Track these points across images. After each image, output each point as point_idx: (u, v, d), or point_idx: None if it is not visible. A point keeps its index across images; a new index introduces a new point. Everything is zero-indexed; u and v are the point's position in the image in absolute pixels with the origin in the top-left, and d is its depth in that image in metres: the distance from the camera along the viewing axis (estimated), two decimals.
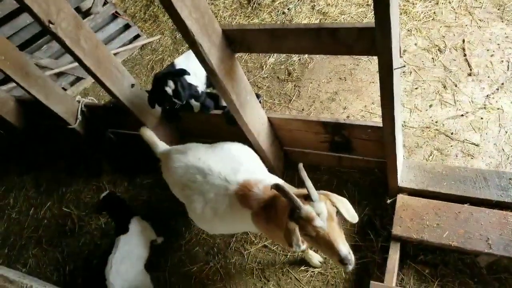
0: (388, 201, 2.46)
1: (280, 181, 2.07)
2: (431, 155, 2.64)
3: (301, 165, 1.69)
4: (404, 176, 2.43)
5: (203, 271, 2.78)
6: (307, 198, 1.63)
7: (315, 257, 2.50)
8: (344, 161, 2.75)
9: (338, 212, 1.66)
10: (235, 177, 2.09)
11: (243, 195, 2.02)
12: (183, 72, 2.52)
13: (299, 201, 1.59)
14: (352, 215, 1.69)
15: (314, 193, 1.63)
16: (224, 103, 2.87)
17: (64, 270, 3.23)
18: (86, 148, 3.67)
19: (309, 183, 1.63)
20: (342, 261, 1.57)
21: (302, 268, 2.55)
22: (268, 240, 2.72)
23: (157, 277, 2.85)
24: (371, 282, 2.05)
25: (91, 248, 3.24)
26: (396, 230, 2.30)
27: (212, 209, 2.15)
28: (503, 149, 2.51)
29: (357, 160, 2.67)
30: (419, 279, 2.29)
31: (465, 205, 2.26)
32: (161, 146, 2.65)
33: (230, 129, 2.69)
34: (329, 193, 1.72)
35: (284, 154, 2.96)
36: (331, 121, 2.50)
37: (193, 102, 2.73)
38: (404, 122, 2.86)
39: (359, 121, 2.49)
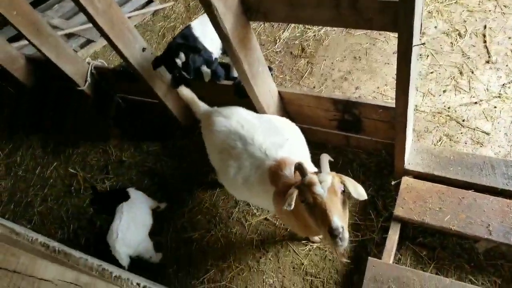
0: (393, 182, 2.50)
1: (311, 167, 2.07)
2: (440, 141, 2.65)
3: (325, 155, 1.75)
4: (411, 159, 2.46)
5: (204, 238, 2.88)
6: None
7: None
8: (351, 140, 2.77)
9: (346, 192, 1.68)
10: (275, 153, 2.07)
11: (275, 172, 2.02)
12: (198, 50, 2.53)
13: (307, 169, 1.64)
14: (359, 193, 1.70)
15: (325, 166, 1.69)
16: (235, 74, 2.88)
17: (68, 228, 3.35)
18: (95, 111, 3.73)
19: (325, 159, 1.70)
20: (332, 232, 1.54)
21: (302, 242, 2.63)
22: (269, 213, 2.79)
23: (159, 242, 2.95)
24: (369, 258, 2.13)
25: None
26: (398, 211, 2.35)
27: (244, 178, 2.17)
28: None
29: (365, 141, 2.69)
30: (415, 260, 2.36)
31: (470, 191, 2.30)
32: (202, 105, 2.63)
33: (239, 101, 2.71)
34: (342, 175, 1.74)
35: None
36: (342, 98, 2.51)
37: (204, 68, 2.74)
38: (416, 106, 2.86)
39: (371, 100, 2.50)
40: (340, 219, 1.58)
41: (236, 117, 2.31)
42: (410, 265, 2.36)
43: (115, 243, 2.53)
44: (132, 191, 2.88)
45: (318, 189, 1.62)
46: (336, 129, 2.74)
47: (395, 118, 2.18)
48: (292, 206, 1.66)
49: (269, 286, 2.55)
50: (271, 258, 2.64)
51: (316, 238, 2.58)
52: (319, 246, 2.58)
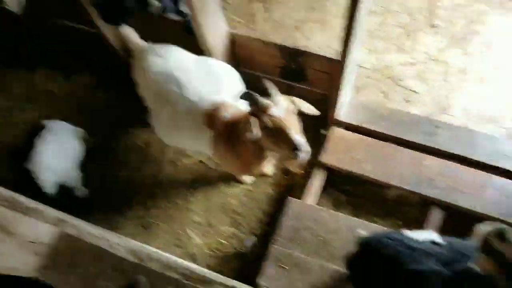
0: (324, 131, 2.76)
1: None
2: (375, 96, 2.93)
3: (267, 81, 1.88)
4: (345, 111, 2.72)
5: (134, 176, 3.01)
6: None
7: (249, 176, 2.80)
8: (294, 90, 2.95)
9: (299, 111, 1.87)
10: (210, 97, 2.14)
11: (211, 116, 2.10)
12: None
13: (257, 95, 1.78)
14: (311, 110, 1.94)
15: (273, 90, 1.84)
16: (183, 7, 2.85)
17: None
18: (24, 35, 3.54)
19: (271, 85, 1.84)
20: (296, 147, 1.72)
21: (233, 184, 2.86)
22: (204, 156, 2.96)
23: (89, 177, 2.99)
24: (289, 197, 2.40)
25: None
26: (325, 158, 2.63)
27: (177, 123, 2.22)
28: (439, 101, 2.86)
29: (306, 91, 2.90)
30: (335, 204, 2.70)
31: (392, 144, 2.63)
32: (136, 39, 2.59)
33: (185, 40, 2.66)
34: (289, 96, 1.92)
35: None
36: (290, 46, 2.67)
37: None
38: (360, 61, 3.09)
39: (317, 51, 2.67)
40: (301, 136, 1.79)
41: (173, 58, 2.31)
42: (331, 208, 2.69)
43: (38, 169, 2.57)
44: (53, 122, 2.86)
45: (275, 111, 1.78)
46: (280, 77, 2.90)
47: (336, 70, 2.36)
48: (259, 132, 1.80)
49: (194, 222, 2.78)
50: (200, 198, 2.85)
51: (248, 180, 2.81)
52: (249, 188, 2.83)
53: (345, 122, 2.72)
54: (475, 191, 2.44)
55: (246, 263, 2.60)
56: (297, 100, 1.91)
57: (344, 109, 2.74)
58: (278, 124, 1.77)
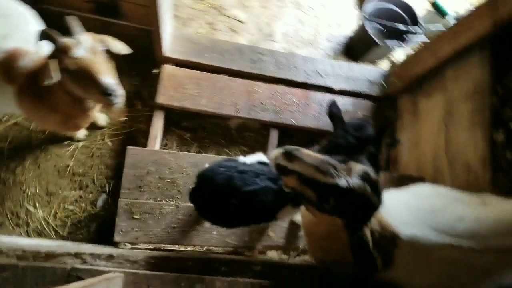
0: (154, 71, 2.67)
1: None
2: (202, 28, 2.92)
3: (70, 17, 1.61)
4: (171, 47, 2.65)
5: None
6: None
7: (82, 131, 2.57)
8: (112, 27, 2.70)
9: (107, 50, 1.68)
10: (1, 44, 1.80)
11: (8, 68, 1.79)
12: None
13: (56, 33, 1.53)
14: (120, 48, 1.75)
15: (76, 28, 1.59)
16: None
17: None
18: None
19: (73, 22, 1.60)
20: (106, 90, 1.56)
21: (65, 143, 2.60)
22: (19, 117, 2.57)
23: None
24: (128, 147, 2.32)
25: None
26: (160, 98, 2.58)
27: None
28: (261, 28, 3.03)
29: (126, 27, 2.68)
30: (181, 143, 2.74)
31: (222, 75, 2.72)
32: None
33: None
34: (98, 35, 1.70)
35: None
36: None
37: None
38: None
39: None
40: (110, 76, 1.60)
41: None
42: (176, 148, 2.74)
43: None
44: None
45: (78, 52, 1.57)
46: (93, 13, 2.59)
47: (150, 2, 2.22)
48: (58, 76, 1.57)
49: (32, 195, 2.48)
50: (30, 166, 2.52)
51: (81, 136, 2.59)
52: (85, 144, 2.62)
53: (173, 58, 2.66)
54: (301, 109, 2.78)
55: (102, 222, 2.50)
56: (105, 38, 1.71)
57: (170, 45, 2.66)
58: (81, 66, 1.58)
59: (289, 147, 1.21)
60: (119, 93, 1.64)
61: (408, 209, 1.71)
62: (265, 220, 1.95)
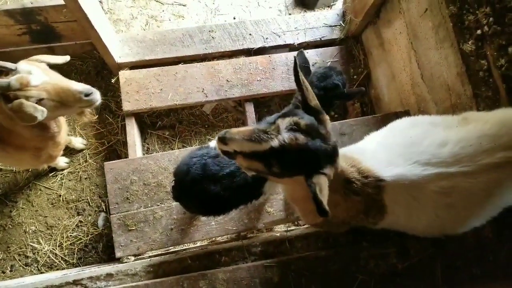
0: (113, 80, 2.52)
1: None
2: (147, 24, 2.72)
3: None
4: (120, 52, 2.48)
5: None
6: (7, 74, 1.57)
7: (61, 160, 2.48)
8: (58, 51, 2.55)
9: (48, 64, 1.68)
10: None
11: None
12: None
13: None
14: (61, 58, 1.74)
15: (7, 64, 1.55)
16: None
17: None
18: None
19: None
20: (81, 93, 1.60)
21: (50, 175, 2.52)
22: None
23: None
24: (104, 163, 2.22)
25: None
26: (126, 106, 2.44)
27: None
28: (206, 5, 2.80)
29: (71, 47, 2.53)
30: (162, 143, 2.63)
31: (180, 65, 2.54)
32: None
33: None
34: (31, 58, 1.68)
35: None
36: (16, 7, 2.19)
37: None
38: None
39: (47, 2, 2.24)
40: (73, 82, 1.64)
41: None
42: (159, 149, 2.62)
43: None
44: None
45: (36, 80, 1.55)
46: (32, 43, 2.43)
47: (78, 12, 2.05)
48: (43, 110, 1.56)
49: (33, 233, 2.44)
50: (24, 206, 2.47)
51: (63, 164, 2.50)
52: (70, 171, 2.54)
53: (126, 63, 2.50)
54: (269, 75, 2.59)
55: (108, 240, 2.45)
56: (40, 57, 1.68)
57: (119, 51, 2.49)
58: (54, 89, 1.58)
59: (220, 133, 1.16)
60: (93, 90, 1.65)
61: (386, 148, 1.55)
62: (251, 197, 1.83)
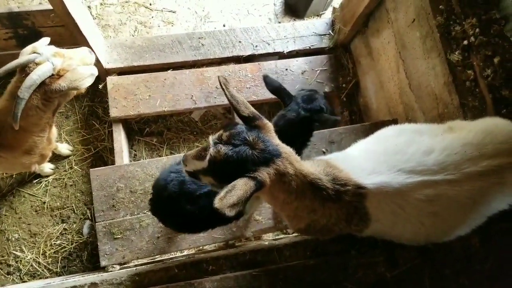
0: (100, 86, 2.47)
1: None
2: (136, 30, 2.69)
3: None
4: (108, 57, 2.44)
5: None
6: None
7: (46, 166, 2.41)
8: None
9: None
10: None
11: None
12: None
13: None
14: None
15: (30, 56, 1.64)
16: None
17: None
18: None
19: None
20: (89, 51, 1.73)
21: (35, 182, 2.45)
22: None
23: None
24: (90, 170, 2.16)
25: None
26: (114, 112, 2.39)
27: None
28: (196, 12, 2.78)
29: None
30: (150, 150, 2.57)
31: (169, 71, 2.51)
32: None
33: None
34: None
35: None
36: (3, 11, 2.14)
37: None
38: None
39: (36, 6, 2.20)
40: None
41: None
42: (147, 156, 2.57)
43: None
44: None
45: (67, 62, 1.67)
46: (18, 48, 2.36)
47: (66, 18, 2.01)
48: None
49: (16, 241, 2.36)
50: (7, 214, 2.39)
51: (49, 171, 2.43)
52: (55, 177, 2.47)
53: (114, 68, 2.45)
54: (258, 82, 2.56)
55: (93, 249, 2.37)
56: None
57: (107, 56, 2.45)
58: (75, 55, 1.72)
59: (182, 156, 1.30)
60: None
61: (371, 156, 1.53)
62: (230, 219, 1.77)
